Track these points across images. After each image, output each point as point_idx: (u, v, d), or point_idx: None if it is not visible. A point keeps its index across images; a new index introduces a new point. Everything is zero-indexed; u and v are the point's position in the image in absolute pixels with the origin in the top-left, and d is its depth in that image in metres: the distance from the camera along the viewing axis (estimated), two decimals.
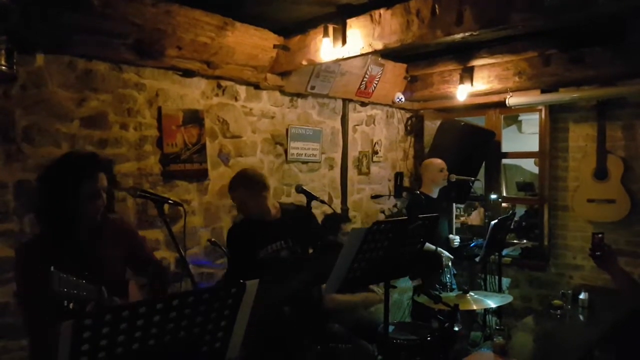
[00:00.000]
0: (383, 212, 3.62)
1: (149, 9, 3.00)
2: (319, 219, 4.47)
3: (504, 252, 4.44)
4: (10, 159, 2.81)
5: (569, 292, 3.55)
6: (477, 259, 4.07)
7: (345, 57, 3.49)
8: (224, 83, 3.86)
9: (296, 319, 2.68)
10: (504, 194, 5.93)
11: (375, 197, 4.65)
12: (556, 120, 4.86)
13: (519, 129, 7.68)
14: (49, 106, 2.95)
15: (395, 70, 4.99)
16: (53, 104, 2.97)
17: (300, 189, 2.78)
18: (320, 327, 2.97)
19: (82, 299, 1.76)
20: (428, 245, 3.69)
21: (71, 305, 1.71)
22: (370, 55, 4.32)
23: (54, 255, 1.85)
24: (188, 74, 3.57)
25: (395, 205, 5.45)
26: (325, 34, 3.42)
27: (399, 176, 5.57)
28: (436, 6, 3.00)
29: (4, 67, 2.61)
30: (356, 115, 5.08)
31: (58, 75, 2.99)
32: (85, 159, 2.08)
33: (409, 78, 5.16)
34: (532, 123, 6.77)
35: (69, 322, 1.22)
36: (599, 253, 2.44)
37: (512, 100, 4.67)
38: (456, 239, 4.25)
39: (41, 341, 1.90)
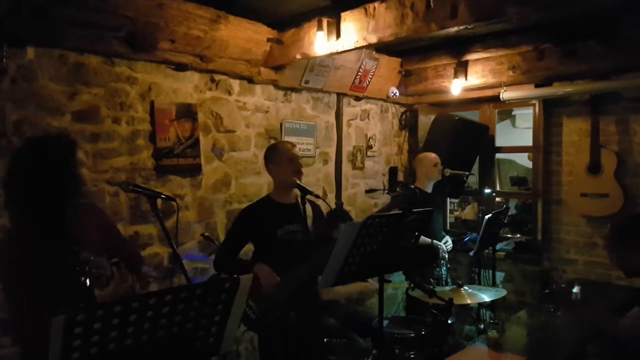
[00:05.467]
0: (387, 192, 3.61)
1: (141, 2, 2.97)
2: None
3: (498, 246, 4.45)
4: (1, 153, 2.77)
5: (562, 285, 3.56)
6: (471, 253, 4.08)
7: (339, 50, 3.47)
8: (217, 77, 3.83)
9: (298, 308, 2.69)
10: (498, 189, 5.95)
11: (369, 191, 4.64)
12: (550, 115, 4.87)
13: (513, 124, 7.70)
14: (40, 100, 2.92)
15: (389, 65, 4.98)
16: (44, 98, 2.93)
17: (294, 184, 2.78)
18: (318, 319, 2.98)
19: (99, 277, 1.80)
20: (423, 239, 3.70)
21: (87, 282, 1.75)
22: (364, 49, 4.31)
23: (38, 243, 1.83)
24: (181, 67, 3.55)
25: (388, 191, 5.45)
26: (320, 27, 3.40)
27: (393, 171, 5.57)
28: None
29: None
30: (350, 109, 5.07)
31: (49, 69, 2.95)
32: (59, 134, 2.12)
33: (404, 72, 5.16)
34: (525, 118, 6.80)
35: (60, 317, 1.21)
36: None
37: (506, 94, 4.68)
38: (449, 242, 4.21)
39: (36, 333, 1.87)
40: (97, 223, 2.19)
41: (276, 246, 2.76)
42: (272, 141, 4.24)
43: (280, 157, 2.86)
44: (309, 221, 2.86)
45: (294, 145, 2.97)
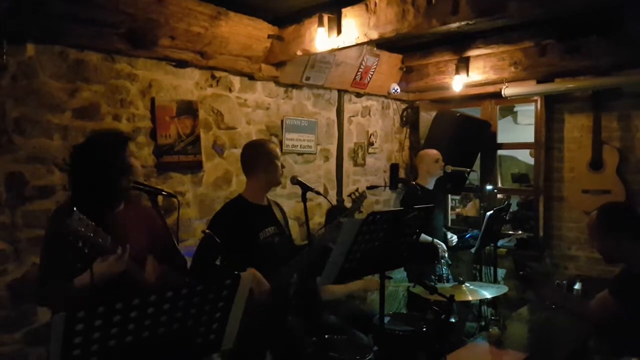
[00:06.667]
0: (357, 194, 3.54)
1: None
2: (315, 210, 4.48)
3: (500, 243, 4.44)
4: (1, 150, 2.77)
5: (564, 282, 3.55)
6: (472, 250, 4.07)
7: (340, 47, 3.46)
8: (218, 74, 3.82)
9: (295, 308, 2.67)
10: (500, 185, 5.94)
11: (370, 188, 4.64)
12: (552, 111, 4.85)
13: (515, 120, 7.69)
14: (40, 97, 2.91)
15: (390, 61, 4.96)
16: (44, 95, 2.93)
17: (295, 181, 2.76)
18: (316, 318, 2.96)
19: (97, 246, 1.81)
20: (424, 237, 3.69)
21: (86, 249, 1.75)
22: (365, 46, 4.30)
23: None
24: (181, 64, 3.54)
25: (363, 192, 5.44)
26: (320, 23, 3.39)
27: (394, 167, 5.56)
28: None
29: None
30: (351, 106, 5.05)
31: (49, 66, 2.95)
32: (118, 132, 2.32)
33: (405, 69, 5.14)
34: (527, 114, 6.79)
35: (61, 314, 1.21)
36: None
37: (507, 90, 4.66)
38: (454, 238, 4.24)
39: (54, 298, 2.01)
40: (146, 224, 2.24)
41: (258, 251, 2.63)
42: (273, 138, 4.23)
43: (269, 157, 2.73)
44: (281, 223, 2.82)
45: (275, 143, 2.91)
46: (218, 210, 2.84)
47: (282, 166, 2.80)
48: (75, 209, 1.72)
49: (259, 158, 2.77)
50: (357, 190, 2.95)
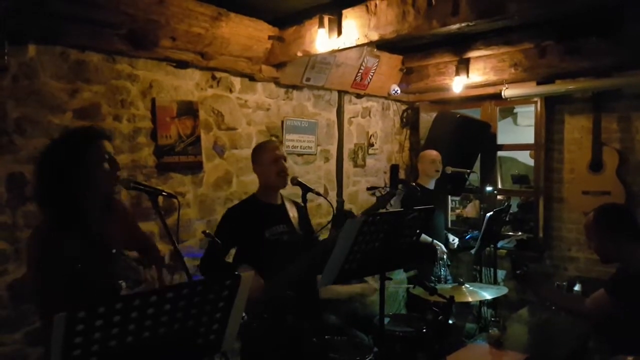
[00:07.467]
0: (374, 192, 3.52)
1: None
2: (315, 211, 4.48)
3: (499, 244, 4.45)
4: (2, 150, 2.78)
5: (564, 283, 3.56)
6: (472, 251, 4.08)
7: (340, 48, 3.46)
8: (218, 74, 3.82)
9: (298, 303, 2.66)
10: (500, 187, 5.94)
11: (370, 189, 4.63)
12: (552, 112, 4.86)
13: (515, 121, 7.69)
14: (41, 97, 2.91)
15: (391, 62, 4.97)
16: (45, 95, 2.93)
17: (295, 181, 2.77)
18: (317, 317, 2.96)
19: (135, 280, 1.81)
20: (424, 237, 3.69)
21: (124, 286, 1.75)
22: (365, 47, 4.31)
23: (65, 236, 1.83)
24: (182, 65, 3.54)
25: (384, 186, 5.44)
26: (321, 24, 3.40)
27: (394, 168, 5.57)
28: None
29: None
30: (352, 107, 5.06)
31: (50, 66, 2.95)
32: (84, 129, 2.10)
33: (405, 70, 5.14)
34: (527, 115, 6.80)
35: (61, 314, 1.20)
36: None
37: (507, 92, 4.66)
38: (455, 241, 4.24)
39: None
40: (121, 220, 2.20)
41: (263, 248, 2.66)
42: (274, 139, 4.24)
43: (263, 158, 2.76)
44: (294, 222, 2.80)
45: (279, 145, 2.88)
46: (230, 207, 2.93)
47: (283, 168, 2.76)
48: (123, 255, 1.71)
49: (255, 161, 2.83)
50: (385, 186, 2.93)
